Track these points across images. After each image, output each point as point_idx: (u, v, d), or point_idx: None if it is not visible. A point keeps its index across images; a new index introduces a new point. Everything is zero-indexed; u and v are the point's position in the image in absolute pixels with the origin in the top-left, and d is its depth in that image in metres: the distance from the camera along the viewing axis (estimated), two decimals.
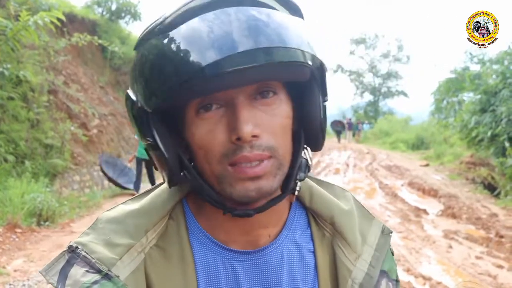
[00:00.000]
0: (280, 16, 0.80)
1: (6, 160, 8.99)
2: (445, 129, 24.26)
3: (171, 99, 0.78)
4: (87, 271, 0.83)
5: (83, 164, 11.84)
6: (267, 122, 0.81)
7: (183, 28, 0.77)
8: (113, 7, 20.06)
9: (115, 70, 18.66)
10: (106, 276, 0.82)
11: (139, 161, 11.36)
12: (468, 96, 20.56)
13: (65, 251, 0.87)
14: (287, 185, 0.88)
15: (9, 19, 9.06)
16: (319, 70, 0.85)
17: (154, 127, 0.83)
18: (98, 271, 0.82)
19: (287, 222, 0.95)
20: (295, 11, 0.86)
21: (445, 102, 25.54)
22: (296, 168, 0.87)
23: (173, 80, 0.75)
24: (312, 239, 0.96)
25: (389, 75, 57.91)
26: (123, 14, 20.37)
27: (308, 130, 0.89)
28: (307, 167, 0.91)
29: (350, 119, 42.86)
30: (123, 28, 20.46)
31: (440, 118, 26.61)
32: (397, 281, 1.01)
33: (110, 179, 12.35)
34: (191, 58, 0.74)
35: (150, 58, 0.79)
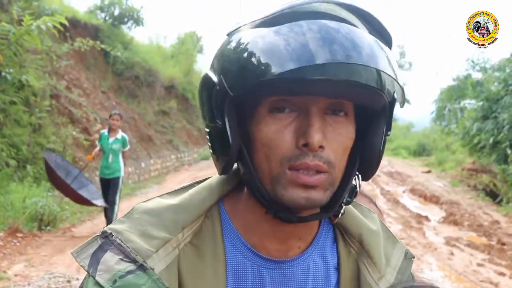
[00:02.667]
0: (378, 43, 0.82)
1: (8, 165, 9.00)
2: (447, 135, 24.27)
3: (256, 88, 0.79)
4: (121, 259, 0.82)
5: (84, 169, 11.84)
6: (333, 139, 0.82)
7: (288, 26, 0.79)
8: (116, 12, 20.10)
9: (117, 75, 18.67)
10: (141, 267, 0.82)
11: (104, 182, 8.57)
12: (470, 103, 20.60)
13: (98, 235, 0.87)
14: (333, 205, 0.88)
15: (12, 23, 9.07)
16: (391, 104, 0.86)
17: (227, 112, 0.84)
18: (133, 261, 0.82)
19: (316, 236, 0.96)
20: (388, 41, 0.88)
21: (447, 109, 25.56)
22: (346, 192, 0.88)
23: (266, 71, 0.77)
24: (338, 255, 0.97)
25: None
26: (126, 20, 20.40)
27: (364, 159, 0.89)
28: (354, 193, 0.91)
29: None
30: (125, 33, 20.48)
31: (442, 125, 26.64)
32: None
33: (65, 190, 8.50)
34: (289, 56, 0.76)
35: (248, 44, 0.81)
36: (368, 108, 0.86)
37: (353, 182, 0.91)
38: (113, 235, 0.85)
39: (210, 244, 0.90)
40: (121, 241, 0.84)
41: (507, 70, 15.60)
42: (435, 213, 11.38)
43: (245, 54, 0.80)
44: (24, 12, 9.33)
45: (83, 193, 8.49)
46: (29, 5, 10.47)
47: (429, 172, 20.97)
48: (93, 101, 15.08)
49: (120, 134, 8.67)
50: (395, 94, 0.85)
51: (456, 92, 23.48)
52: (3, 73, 9.10)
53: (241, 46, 0.82)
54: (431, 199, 13.32)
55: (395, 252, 1.01)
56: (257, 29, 0.82)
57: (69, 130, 11.53)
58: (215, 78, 0.85)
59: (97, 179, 10.26)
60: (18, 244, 7.26)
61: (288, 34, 0.78)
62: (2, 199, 8.16)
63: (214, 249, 0.90)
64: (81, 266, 0.84)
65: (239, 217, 0.93)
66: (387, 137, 0.90)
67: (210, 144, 0.91)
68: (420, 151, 32.60)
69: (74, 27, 15.11)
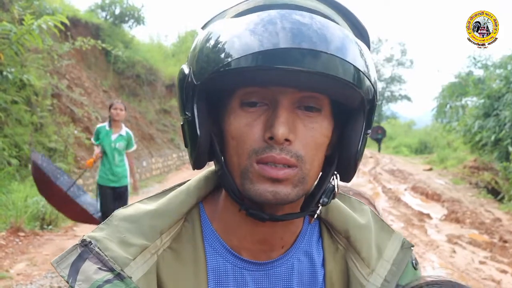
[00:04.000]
0: (350, 36, 0.81)
1: (9, 164, 9.00)
2: (448, 133, 24.25)
3: (222, 78, 0.79)
4: (99, 268, 0.82)
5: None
6: (303, 133, 0.81)
7: (255, 15, 0.79)
8: (117, 11, 20.08)
9: (118, 74, 18.67)
10: (119, 276, 0.81)
11: (103, 190, 6.57)
12: (471, 101, 20.56)
13: (77, 244, 0.86)
14: (308, 205, 0.87)
15: (13, 23, 9.07)
16: (370, 101, 0.85)
17: (196, 103, 0.83)
18: (111, 270, 0.82)
19: (300, 234, 0.95)
20: (363, 36, 0.87)
21: (448, 106, 25.54)
22: (321, 191, 0.87)
23: (229, 56, 0.77)
24: (323, 251, 0.96)
25: (392, 80, 57.97)
26: (126, 18, 20.38)
27: (342, 158, 0.88)
28: (333, 194, 0.89)
29: None
30: (126, 32, 20.47)
31: (444, 122, 26.62)
32: None
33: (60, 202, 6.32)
34: (251, 43, 0.75)
35: (215, 35, 0.80)
36: (344, 104, 0.84)
37: (332, 183, 0.89)
38: (92, 243, 0.84)
39: (190, 248, 0.89)
40: (100, 250, 0.83)
41: (509, 68, 15.57)
42: (437, 211, 11.36)
43: (210, 44, 0.80)
44: (25, 12, 9.32)
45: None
46: (30, 5, 10.46)
47: (430, 169, 20.95)
48: (94, 100, 15.08)
49: (124, 130, 6.76)
50: (375, 92, 0.84)
51: (457, 89, 23.44)
52: (4, 73, 9.10)
53: (208, 37, 0.82)
54: (433, 197, 13.30)
55: (390, 243, 0.99)
56: (227, 19, 0.82)
57: (71, 129, 11.52)
58: (187, 70, 0.85)
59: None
60: (20, 243, 7.27)
61: (253, 22, 0.78)
62: (4, 198, 8.17)
63: (194, 253, 0.89)
64: (61, 276, 0.83)
65: (218, 219, 0.92)
66: (366, 137, 0.88)
67: (183, 138, 0.90)
68: (421, 149, 32.60)
69: (75, 26, 15.11)
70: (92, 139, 6.93)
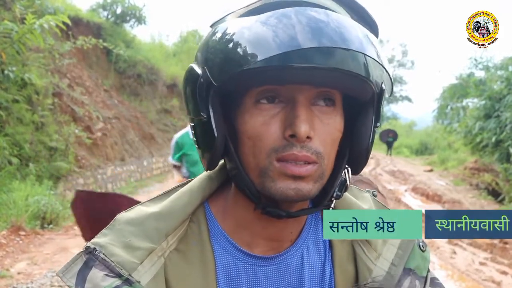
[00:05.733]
0: (365, 32, 0.81)
1: (10, 163, 9.00)
2: (449, 134, 24.25)
3: (240, 78, 0.78)
4: (106, 274, 0.81)
5: (87, 167, 11.83)
6: (321, 129, 0.81)
7: (272, 14, 0.78)
8: (118, 11, 20.09)
9: (119, 73, 18.68)
10: (127, 281, 0.80)
11: None
12: (472, 102, 20.55)
13: (82, 252, 0.85)
14: (323, 199, 0.87)
15: (15, 22, 9.07)
16: (379, 95, 0.85)
17: (211, 103, 0.82)
18: (118, 276, 0.81)
19: (306, 223, 0.95)
20: (373, 29, 0.86)
21: (449, 107, 25.53)
22: (335, 185, 0.87)
23: (248, 59, 0.76)
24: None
25: (393, 80, 57.91)
26: (128, 18, 20.39)
27: (353, 151, 0.88)
28: (345, 187, 0.90)
29: None
30: (128, 32, 20.48)
31: (444, 123, 26.62)
32: (428, 277, 0.98)
33: None
34: (271, 43, 0.75)
35: (232, 34, 0.79)
36: (356, 98, 0.85)
37: (343, 176, 0.90)
38: (96, 250, 0.83)
39: (197, 249, 0.88)
40: (105, 256, 0.82)
41: (510, 69, 15.56)
42: None
43: (228, 44, 0.79)
44: (27, 11, 9.32)
45: None
46: (31, 4, 10.45)
47: (431, 171, 20.94)
48: (95, 99, 15.09)
49: None
50: (383, 85, 0.85)
51: (458, 90, 23.42)
52: (5, 71, 9.09)
53: (224, 36, 0.80)
54: (433, 198, 13.30)
55: None
56: (241, 18, 0.81)
57: (72, 129, 11.53)
58: (199, 70, 0.84)
59: None
60: (21, 242, 7.28)
61: (271, 21, 0.77)
62: (5, 197, 8.17)
63: (202, 254, 0.88)
64: (68, 286, 0.82)
65: (228, 217, 0.91)
66: (376, 129, 0.88)
67: (195, 139, 0.89)
68: (422, 150, 32.61)
69: (76, 25, 15.13)
70: (171, 159, 4.93)
